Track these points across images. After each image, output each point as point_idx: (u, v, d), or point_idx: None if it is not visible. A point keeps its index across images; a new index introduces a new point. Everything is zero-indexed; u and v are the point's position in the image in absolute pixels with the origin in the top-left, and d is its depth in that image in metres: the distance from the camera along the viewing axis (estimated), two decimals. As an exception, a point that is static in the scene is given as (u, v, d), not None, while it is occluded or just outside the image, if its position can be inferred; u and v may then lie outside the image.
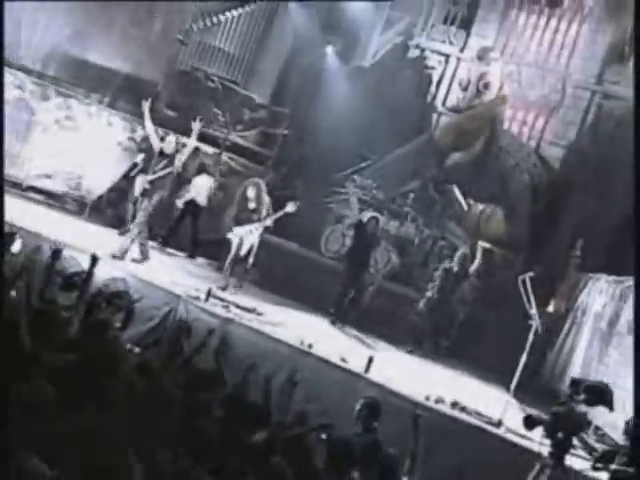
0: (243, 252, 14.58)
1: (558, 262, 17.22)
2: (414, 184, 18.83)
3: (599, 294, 14.51)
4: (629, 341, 12.76)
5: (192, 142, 15.13)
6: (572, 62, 19.78)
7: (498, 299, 16.16)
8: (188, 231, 17.70)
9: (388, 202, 18.43)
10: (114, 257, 13.66)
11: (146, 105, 14.96)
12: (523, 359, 11.27)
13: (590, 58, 19.47)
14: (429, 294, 14.82)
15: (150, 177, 14.61)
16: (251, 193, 14.76)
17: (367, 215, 16.29)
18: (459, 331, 15.27)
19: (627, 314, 13.22)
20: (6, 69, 17.01)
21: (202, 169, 17.73)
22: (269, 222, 14.60)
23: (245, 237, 14.47)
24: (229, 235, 14.72)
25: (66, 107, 17.87)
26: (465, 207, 18.13)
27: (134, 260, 14.36)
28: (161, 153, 14.68)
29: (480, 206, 18.45)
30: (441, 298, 14.89)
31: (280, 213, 14.61)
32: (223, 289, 13.78)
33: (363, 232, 15.41)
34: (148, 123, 14.94)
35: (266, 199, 14.92)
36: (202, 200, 17.40)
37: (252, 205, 14.63)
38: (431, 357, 14.45)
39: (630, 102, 17.81)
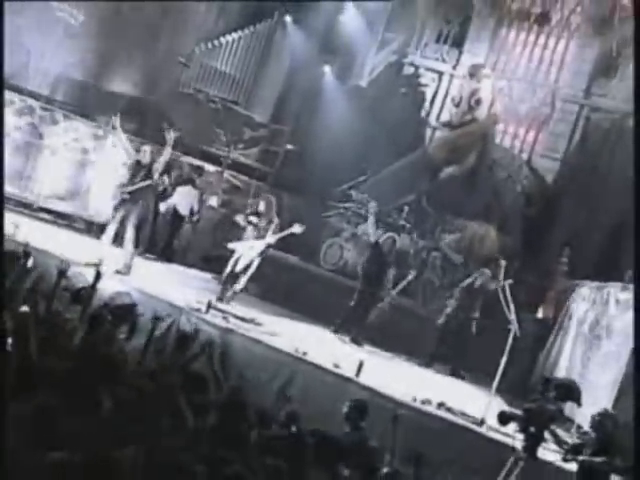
0: (240, 267, 14.55)
1: (548, 270, 17.47)
2: (409, 198, 19.05)
3: (582, 300, 14.81)
4: (606, 344, 13.40)
5: (167, 151, 15.11)
6: (561, 77, 20.12)
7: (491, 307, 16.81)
8: (183, 243, 18.31)
9: (384, 215, 18.46)
10: (117, 272, 13.83)
11: (117, 120, 15.29)
12: (503, 361, 11.87)
13: (578, 73, 19.82)
14: (449, 311, 14.94)
15: (129, 188, 14.68)
16: (262, 208, 14.90)
17: (384, 236, 16.33)
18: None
19: (605, 319, 13.63)
20: (16, 95, 17.70)
21: (187, 181, 18.04)
22: (272, 240, 14.60)
23: (245, 252, 14.49)
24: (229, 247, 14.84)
25: (73, 130, 18.11)
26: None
27: (118, 272, 14.12)
28: (138, 163, 14.85)
29: (474, 226, 18.43)
30: (459, 315, 15.14)
31: (285, 233, 14.67)
32: (220, 300, 13.90)
33: (379, 252, 15.51)
34: (120, 135, 15.49)
35: (275, 217, 14.97)
36: (183, 210, 17.75)
37: (257, 220, 14.75)
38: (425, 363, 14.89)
39: (616, 114, 18.69)
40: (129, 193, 14.67)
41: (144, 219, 15.33)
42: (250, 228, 14.83)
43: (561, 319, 15.53)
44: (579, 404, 11.19)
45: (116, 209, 15.08)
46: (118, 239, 15.01)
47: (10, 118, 17.20)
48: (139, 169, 14.89)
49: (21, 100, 17.54)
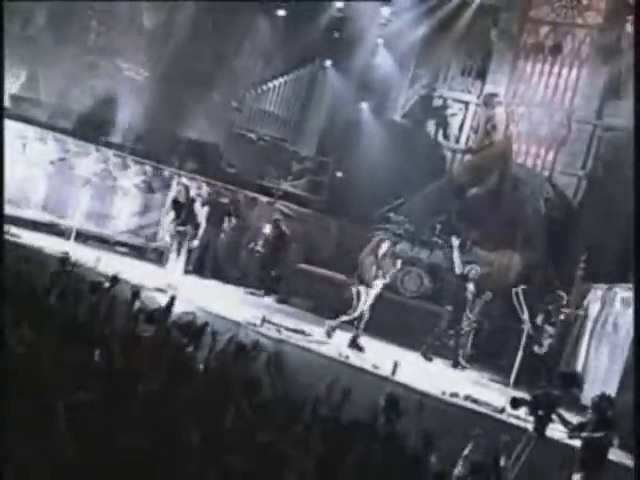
0: (366, 307, 14.30)
1: (569, 276, 17.53)
2: (440, 217, 19.40)
3: (596, 301, 15.39)
4: (613, 338, 14.04)
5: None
6: (575, 101, 20.48)
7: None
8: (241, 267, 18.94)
9: (419, 234, 18.98)
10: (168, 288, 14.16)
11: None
12: (519, 357, 12.68)
13: (590, 97, 20.16)
14: (471, 316, 15.35)
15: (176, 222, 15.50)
16: (383, 249, 14.72)
17: (468, 267, 16.22)
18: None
19: (613, 316, 14.22)
20: (92, 146, 18.18)
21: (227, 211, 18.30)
22: (388, 279, 14.52)
23: (369, 293, 14.33)
24: (358, 288, 14.44)
25: (142, 173, 18.63)
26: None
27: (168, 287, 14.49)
28: (176, 202, 15.65)
29: (500, 257, 18.65)
30: (480, 320, 15.76)
31: (393, 270, 14.69)
32: (355, 339, 14.09)
33: (464, 280, 15.56)
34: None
35: (388, 259, 14.88)
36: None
37: (379, 262, 14.58)
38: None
39: (627, 131, 18.42)
40: (178, 225, 15.51)
41: (200, 247, 16.14)
42: (374, 269, 14.52)
43: (580, 318, 15.90)
44: (581, 390, 11.90)
45: (172, 240, 15.80)
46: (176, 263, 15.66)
47: (90, 166, 17.92)
48: (181, 206, 15.59)
49: (97, 150, 18.10)
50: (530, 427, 10.44)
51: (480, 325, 16.13)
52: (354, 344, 14.06)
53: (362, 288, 14.30)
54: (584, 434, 10.07)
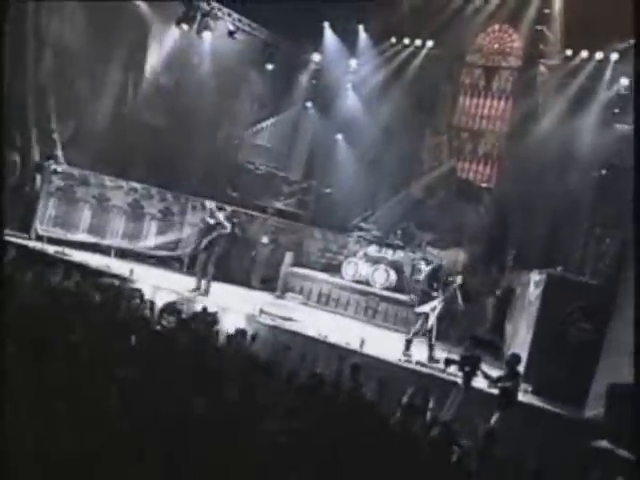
0: (430, 324, 13.72)
1: (503, 265, 18.37)
2: (402, 224, 19.50)
3: (519, 284, 16.12)
4: (527, 311, 14.40)
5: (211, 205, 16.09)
6: (503, 126, 21.13)
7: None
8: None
9: (384, 238, 19.29)
10: (200, 295, 15.11)
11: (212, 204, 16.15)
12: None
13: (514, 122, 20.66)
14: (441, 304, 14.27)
15: (205, 240, 15.88)
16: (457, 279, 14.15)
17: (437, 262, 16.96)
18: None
19: (527, 294, 14.62)
20: (124, 182, 18.29)
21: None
22: (442, 298, 13.77)
23: (430, 312, 13.83)
24: (423, 309, 13.98)
25: (163, 200, 18.78)
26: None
27: (200, 294, 15.22)
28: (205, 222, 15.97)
29: (448, 254, 18.82)
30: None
31: (451, 289, 13.86)
32: (432, 356, 13.43)
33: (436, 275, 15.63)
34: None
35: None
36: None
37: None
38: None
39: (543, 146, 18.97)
40: (209, 242, 15.80)
41: (219, 258, 16.13)
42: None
43: (510, 298, 16.70)
44: (497, 354, 12.82)
45: (200, 252, 16.16)
46: (201, 272, 15.89)
47: (122, 198, 18.21)
48: (209, 226, 15.90)
49: (127, 184, 18.31)
50: (459, 381, 11.13)
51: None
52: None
53: (426, 308, 14.04)
54: (499, 384, 10.69)
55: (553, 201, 18.43)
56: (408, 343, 13.76)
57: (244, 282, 18.86)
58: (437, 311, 13.77)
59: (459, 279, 14.09)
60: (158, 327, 9.82)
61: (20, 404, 5.11)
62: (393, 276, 18.55)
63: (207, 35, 20.17)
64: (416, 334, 13.90)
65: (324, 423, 6.96)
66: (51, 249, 15.95)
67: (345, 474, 5.89)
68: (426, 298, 14.19)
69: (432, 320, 13.76)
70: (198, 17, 19.89)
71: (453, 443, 7.93)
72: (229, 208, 17.88)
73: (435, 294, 14.09)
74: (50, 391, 5.52)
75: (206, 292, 15.54)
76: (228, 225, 16.07)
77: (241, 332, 11.17)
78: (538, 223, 18.71)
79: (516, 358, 11.16)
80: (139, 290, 12.37)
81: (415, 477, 6.50)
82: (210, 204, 16.31)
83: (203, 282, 15.68)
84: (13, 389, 5.21)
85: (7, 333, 6.05)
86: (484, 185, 21.06)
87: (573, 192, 18.19)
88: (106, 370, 6.35)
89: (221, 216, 16.00)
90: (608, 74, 18.10)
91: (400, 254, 18.90)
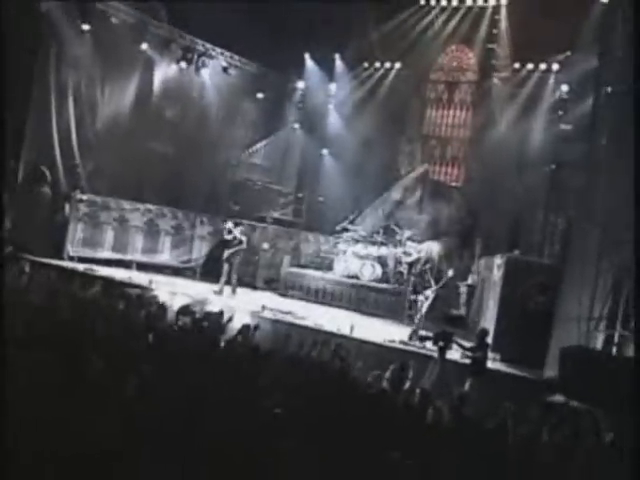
0: (424, 310, 13.89)
1: (472, 253, 18.85)
2: (384, 224, 19.64)
3: (485, 268, 16.47)
4: (492, 290, 14.69)
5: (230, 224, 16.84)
6: (467, 132, 21.16)
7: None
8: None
9: (368, 236, 19.43)
10: (215, 293, 15.96)
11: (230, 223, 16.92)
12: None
13: (475, 128, 20.85)
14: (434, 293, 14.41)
15: (228, 251, 16.70)
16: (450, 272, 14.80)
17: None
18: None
19: (492, 276, 14.95)
20: (140, 204, 18.69)
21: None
22: (439, 286, 14.20)
23: (427, 297, 13.99)
24: (419, 297, 14.14)
25: (175, 218, 19.20)
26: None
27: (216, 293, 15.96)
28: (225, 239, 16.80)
29: (426, 246, 18.77)
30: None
31: (444, 280, 14.56)
32: (415, 335, 13.51)
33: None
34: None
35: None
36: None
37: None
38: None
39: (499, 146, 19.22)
40: (230, 254, 16.69)
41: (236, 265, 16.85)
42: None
43: (479, 280, 17.06)
44: (465, 329, 13.19)
45: (223, 263, 16.79)
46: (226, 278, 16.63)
47: (139, 218, 18.64)
48: (226, 241, 16.79)
49: (143, 206, 18.73)
50: (435, 354, 11.57)
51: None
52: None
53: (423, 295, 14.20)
54: (470, 354, 11.08)
55: (513, 195, 18.74)
56: (414, 335, 13.80)
57: (250, 284, 19.10)
58: (430, 299, 13.99)
59: (450, 272, 14.76)
60: (175, 327, 10.22)
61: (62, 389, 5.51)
62: (378, 269, 18.74)
63: (204, 72, 20.83)
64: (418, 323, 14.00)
65: (317, 398, 7.25)
66: (81, 267, 16.41)
67: (334, 438, 6.07)
68: (419, 289, 14.44)
69: (425, 306, 14.00)
70: (195, 57, 20.54)
71: (429, 406, 8.11)
72: (245, 222, 18.55)
73: (427, 285, 14.32)
74: (82, 380, 5.98)
75: (234, 292, 16.61)
76: (244, 240, 17.01)
77: (246, 326, 11.36)
78: (501, 215, 18.96)
79: (484, 332, 11.48)
80: (157, 297, 12.87)
81: (395, 436, 6.57)
82: (229, 223, 17.16)
83: (228, 287, 16.59)
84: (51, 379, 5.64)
85: (49, 334, 6.89)
86: (453, 184, 21.23)
87: (529, 186, 18.60)
88: (129, 362, 6.74)
89: (237, 232, 16.88)
90: (551, 82, 18.56)
91: (384, 250, 19.02)
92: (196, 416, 5.58)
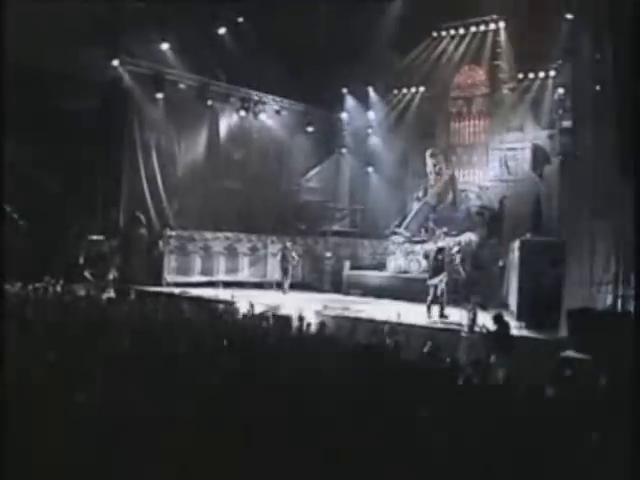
0: (439, 293, 14.06)
1: (500, 240, 18.79)
2: (424, 225, 20.20)
3: (511, 251, 16.30)
4: (513, 271, 15.00)
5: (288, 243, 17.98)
6: (487, 138, 20.72)
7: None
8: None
9: (413, 237, 20.01)
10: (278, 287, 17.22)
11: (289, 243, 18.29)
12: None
13: (493, 133, 20.63)
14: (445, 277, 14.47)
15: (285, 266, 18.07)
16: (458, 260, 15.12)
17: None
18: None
19: (511, 258, 15.36)
20: (220, 233, 19.51)
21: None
22: (445, 273, 14.25)
23: (438, 283, 14.21)
24: (433, 282, 14.22)
25: (250, 241, 19.93)
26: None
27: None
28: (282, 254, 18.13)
29: (463, 236, 18.73)
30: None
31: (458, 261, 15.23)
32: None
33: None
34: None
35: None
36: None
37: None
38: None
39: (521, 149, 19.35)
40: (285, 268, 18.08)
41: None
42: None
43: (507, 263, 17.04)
44: (485, 309, 13.50)
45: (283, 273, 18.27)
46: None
47: (220, 244, 19.55)
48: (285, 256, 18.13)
49: (222, 234, 19.63)
50: (466, 328, 12.15)
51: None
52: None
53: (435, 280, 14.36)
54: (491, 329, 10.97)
55: (532, 187, 18.99)
56: (429, 309, 14.25)
57: (318, 288, 20.04)
58: (443, 282, 14.43)
59: (458, 258, 14.90)
60: (255, 330, 10.59)
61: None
62: (424, 263, 18.37)
63: (261, 116, 22.03)
64: (433, 302, 14.44)
65: (372, 371, 7.39)
66: (177, 290, 17.27)
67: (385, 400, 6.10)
68: (434, 273, 14.73)
69: (441, 288, 14.40)
70: (252, 105, 21.73)
71: (459, 371, 8.11)
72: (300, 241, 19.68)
73: (439, 270, 14.57)
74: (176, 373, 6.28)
75: (284, 292, 18.11)
76: (297, 257, 18.60)
77: (322, 323, 11.91)
78: (522, 204, 19.01)
79: (499, 316, 11.36)
80: (238, 309, 13.71)
81: (430, 395, 6.53)
82: (288, 243, 18.41)
83: (282, 290, 18.40)
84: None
85: (149, 347, 7.45)
86: (482, 184, 21.06)
87: (544, 176, 18.91)
88: (210, 361, 7.08)
89: (294, 252, 18.35)
90: (550, 86, 18.76)
91: (426, 246, 18.70)
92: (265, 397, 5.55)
